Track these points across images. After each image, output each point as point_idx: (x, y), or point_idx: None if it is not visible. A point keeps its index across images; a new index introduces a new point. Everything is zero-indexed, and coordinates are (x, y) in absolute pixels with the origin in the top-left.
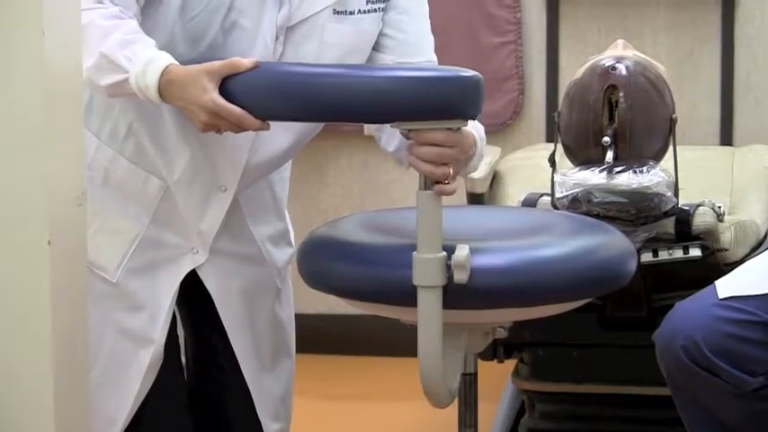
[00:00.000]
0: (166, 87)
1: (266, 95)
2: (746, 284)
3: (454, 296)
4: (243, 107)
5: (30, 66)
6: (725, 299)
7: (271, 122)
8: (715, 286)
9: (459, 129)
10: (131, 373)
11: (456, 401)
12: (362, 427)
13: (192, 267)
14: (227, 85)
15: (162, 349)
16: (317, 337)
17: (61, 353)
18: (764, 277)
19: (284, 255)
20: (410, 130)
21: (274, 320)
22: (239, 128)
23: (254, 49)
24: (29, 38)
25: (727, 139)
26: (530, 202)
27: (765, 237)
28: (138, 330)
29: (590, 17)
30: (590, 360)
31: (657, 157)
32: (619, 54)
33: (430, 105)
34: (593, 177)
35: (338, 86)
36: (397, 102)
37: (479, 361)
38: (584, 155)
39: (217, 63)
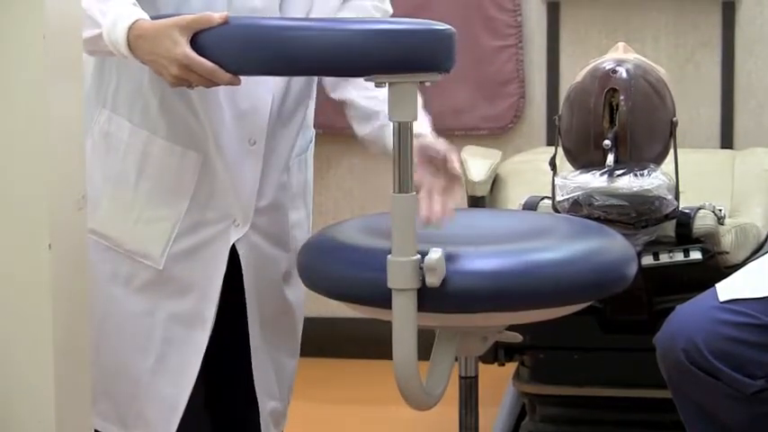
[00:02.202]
0: (136, 42)
1: (238, 49)
2: (747, 287)
3: (431, 299)
4: (214, 61)
5: (30, 69)
6: (725, 302)
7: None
8: (716, 289)
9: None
10: (188, 357)
11: (456, 404)
12: (363, 430)
13: (236, 238)
14: (198, 40)
15: (211, 327)
16: (319, 340)
17: (63, 356)
18: (765, 280)
19: (303, 241)
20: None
21: (285, 302)
22: (210, 82)
23: None
24: (29, 43)
25: (727, 142)
26: (530, 206)
27: (766, 240)
28: (190, 313)
29: (591, 20)
30: (591, 363)
31: (658, 160)
32: (619, 57)
33: (405, 58)
34: (594, 180)
35: (311, 40)
36: (372, 55)
37: (480, 364)
38: (585, 158)
39: (187, 17)
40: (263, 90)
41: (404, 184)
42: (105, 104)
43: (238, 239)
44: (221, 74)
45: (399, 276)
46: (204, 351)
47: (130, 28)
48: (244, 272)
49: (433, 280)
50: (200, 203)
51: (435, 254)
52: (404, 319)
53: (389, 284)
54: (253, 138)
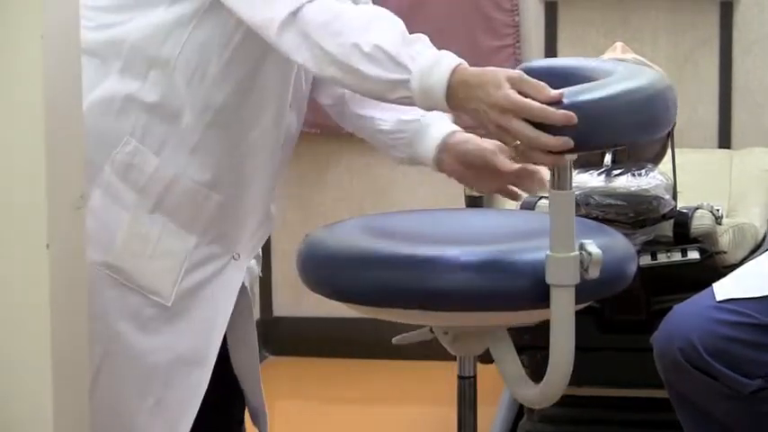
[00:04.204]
0: (458, 87)
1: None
2: (744, 287)
3: (430, 298)
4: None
5: (29, 69)
6: (722, 301)
7: (292, 105)
8: (713, 289)
9: None
10: (187, 397)
11: (455, 404)
12: (362, 429)
13: (240, 276)
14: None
15: (212, 366)
16: (318, 339)
17: (61, 356)
18: (762, 280)
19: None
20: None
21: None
22: (535, 133)
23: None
24: (27, 42)
25: (725, 142)
26: (528, 205)
27: (763, 239)
28: (193, 351)
29: (589, 20)
30: (589, 363)
31: (656, 160)
32: (617, 57)
33: None
34: (592, 180)
35: None
36: None
37: (478, 364)
38: (583, 157)
39: (522, 73)
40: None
41: (562, 180)
42: (133, 134)
43: (243, 273)
44: (550, 112)
45: (560, 272)
46: (204, 391)
47: (454, 72)
48: (251, 300)
49: (595, 273)
50: (210, 239)
51: (593, 247)
52: (563, 315)
53: (548, 280)
54: (275, 184)
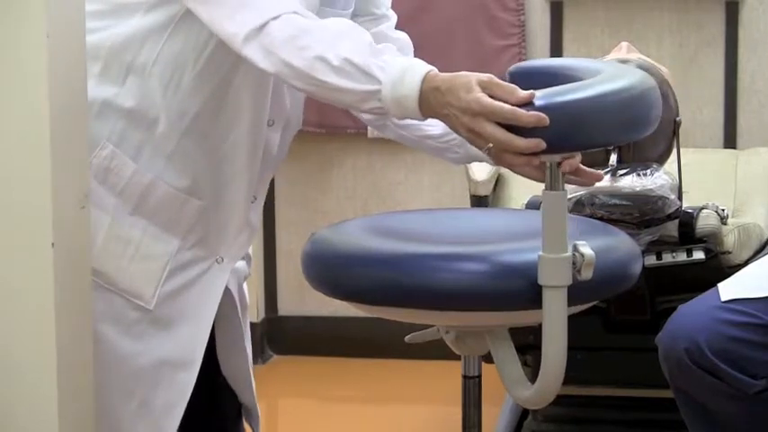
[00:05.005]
0: (430, 94)
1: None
2: (749, 287)
3: (432, 297)
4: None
5: (34, 69)
6: (728, 301)
7: (274, 123)
8: (718, 289)
9: None
10: (173, 399)
11: (459, 403)
12: (366, 429)
13: (224, 279)
14: None
15: (198, 368)
16: (323, 338)
17: (65, 354)
18: (767, 280)
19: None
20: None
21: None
22: (507, 136)
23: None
24: (33, 42)
25: (730, 142)
26: (533, 205)
27: None
28: (179, 355)
29: (594, 20)
30: (593, 363)
31: (661, 159)
32: (623, 57)
33: None
34: None
35: None
36: None
37: (483, 363)
38: (588, 158)
39: (492, 76)
40: (283, 149)
41: (554, 181)
42: (110, 139)
43: (227, 276)
44: (521, 114)
45: (552, 273)
46: (190, 393)
47: (424, 79)
48: (238, 305)
49: (587, 274)
50: (192, 243)
51: (586, 248)
52: (556, 316)
53: (541, 281)
54: (257, 195)
